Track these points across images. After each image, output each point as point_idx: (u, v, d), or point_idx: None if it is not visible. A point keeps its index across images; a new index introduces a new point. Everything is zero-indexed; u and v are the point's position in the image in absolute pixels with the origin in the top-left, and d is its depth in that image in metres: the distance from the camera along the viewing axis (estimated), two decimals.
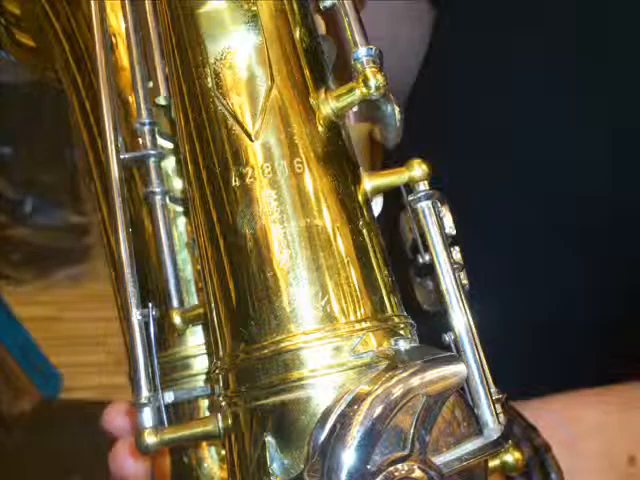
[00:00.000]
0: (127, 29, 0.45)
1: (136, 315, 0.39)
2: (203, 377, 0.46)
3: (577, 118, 0.68)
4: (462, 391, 0.36)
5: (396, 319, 0.37)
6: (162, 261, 0.43)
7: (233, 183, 0.37)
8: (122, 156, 0.42)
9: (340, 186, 0.38)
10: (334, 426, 0.32)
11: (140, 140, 0.44)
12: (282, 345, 0.35)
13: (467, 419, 0.35)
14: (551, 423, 0.51)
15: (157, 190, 0.43)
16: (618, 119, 0.66)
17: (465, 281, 0.40)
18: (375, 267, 0.38)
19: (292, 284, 0.36)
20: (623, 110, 0.66)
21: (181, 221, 0.48)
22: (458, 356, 0.36)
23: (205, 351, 0.47)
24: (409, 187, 0.39)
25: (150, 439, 0.37)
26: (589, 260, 0.69)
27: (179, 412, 0.47)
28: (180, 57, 0.40)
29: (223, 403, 0.37)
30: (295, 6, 0.40)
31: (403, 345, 0.35)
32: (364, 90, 0.37)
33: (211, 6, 0.39)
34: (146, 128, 0.44)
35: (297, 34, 0.40)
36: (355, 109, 0.39)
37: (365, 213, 0.39)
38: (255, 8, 0.39)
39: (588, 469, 0.55)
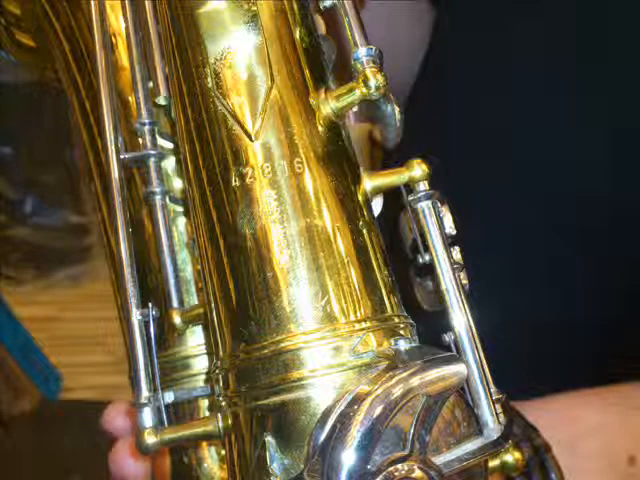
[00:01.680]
0: (127, 29, 0.45)
1: (136, 315, 0.39)
2: (203, 377, 0.46)
3: (577, 118, 0.68)
4: (462, 391, 0.36)
5: (396, 319, 0.37)
6: (162, 261, 0.43)
7: (233, 183, 0.37)
8: (122, 156, 0.42)
9: (340, 186, 0.38)
10: (334, 426, 0.32)
11: (140, 140, 0.44)
12: (282, 345, 0.35)
13: (467, 419, 0.35)
14: (551, 423, 0.51)
15: (157, 190, 0.43)
16: (618, 119, 0.66)
17: (465, 281, 0.40)
18: (375, 267, 0.38)
19: (292, 284, 0.36)
20: (623, 110, 0.66)
21: (181, 221, 0.48)
22: (458, 356, 0.36)
23: (205, 351, 0.47)
24: (409, 187, 0.39)
25: (150, 439, 0.37)
26: (589, 260, 0.69)
27: (179, 412, 0.47)
28: (180, 57, 0.40)
29: (223, 403, 0.37)
30: (295, 6, 0.40)
31: (403, 345, 0.35)
32: (364, 90, 0.37)
33: (211, 6, 0.39)
34: (146, 128, 0.44)
35: (297, 34, 0.40)
36: (355, 109, 0.39)
37: (365, 213, 0.39)
38: (255, 8, 0.39)
39: (588, 469, 0.55)
